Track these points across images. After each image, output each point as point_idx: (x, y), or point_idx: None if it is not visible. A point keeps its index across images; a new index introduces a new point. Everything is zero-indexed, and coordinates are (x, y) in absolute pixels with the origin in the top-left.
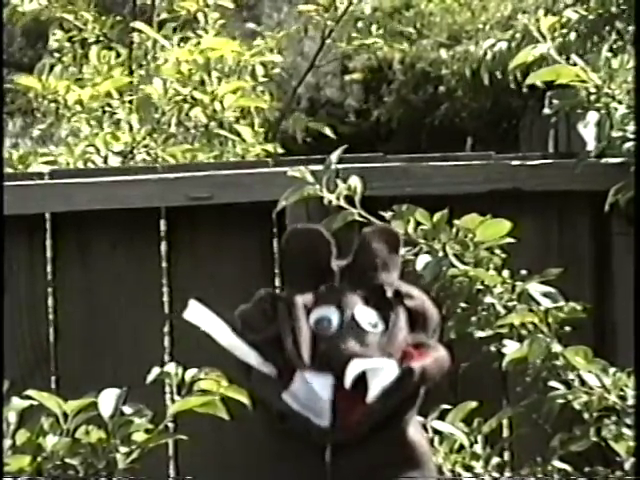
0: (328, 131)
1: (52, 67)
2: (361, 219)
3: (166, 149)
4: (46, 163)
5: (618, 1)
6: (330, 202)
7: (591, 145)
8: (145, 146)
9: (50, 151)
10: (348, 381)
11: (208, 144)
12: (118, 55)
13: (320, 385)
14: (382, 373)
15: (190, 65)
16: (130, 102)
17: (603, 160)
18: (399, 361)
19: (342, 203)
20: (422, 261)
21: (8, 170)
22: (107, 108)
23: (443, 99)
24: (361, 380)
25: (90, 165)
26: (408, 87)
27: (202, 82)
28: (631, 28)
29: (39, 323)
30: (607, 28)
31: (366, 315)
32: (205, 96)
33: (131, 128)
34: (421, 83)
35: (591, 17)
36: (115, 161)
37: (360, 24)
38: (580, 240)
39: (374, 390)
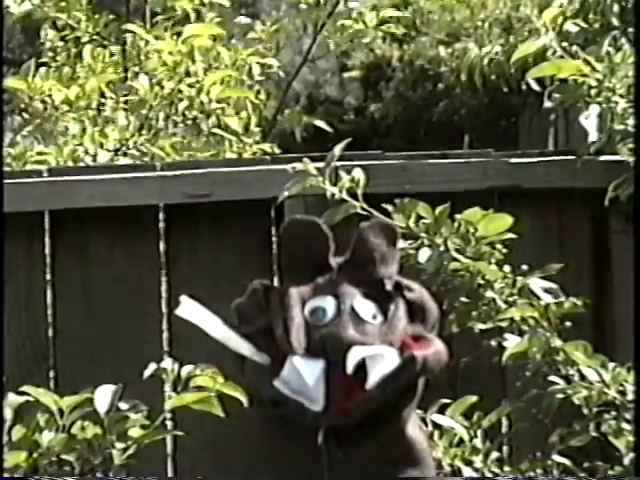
0: (324, 125)
1: (38, 66)
2: (363, 212)
3: (155, 143)
4: (36, 163)
5: (618, 13)
6: (333, 195)
7: (593, 136)
8: (134, 143)
9: (40, 151)
10: (349, 367)
11: (205, 142)
12: (112, 54)
13: (308, 371)
14: (382, 360)
15: (174, 56)
16: (125, 102)
17: (602, 158)
18: (399, 350)
19: (345, 196)
20: (424, 254)
21: (6, 168)
22: (97, 106)
23: (442, 96)
24: (360, 367)
25: (80, 164)
26: (407, 84)
27: (188, 74)
28: (631, 32)
29: (38, 321)
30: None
31: (366, 307)
32: (191, 88)
33: (120, 125)
34: (420, 80)
35: (591, 29)
36: (105, 159)
37: (354, 14)
38: (579, 238)
39: (374, 377)
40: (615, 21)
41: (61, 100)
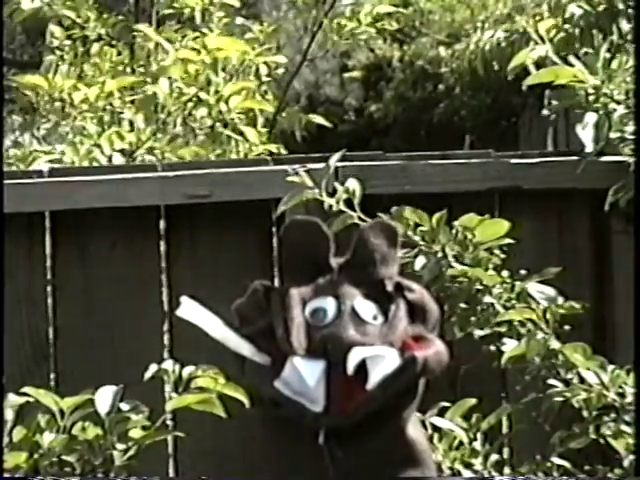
0: (323, 121)
1: (58, 65)
2: (360, 222)
3: (173, 150)
4: (51, 162)
5: None
6: (330, 207)
7: (589, 147)
8: (150, 147)
9: (54, 150)
10: (350, 368)
11: (211, 144)
12: (119, 53)
13: (308, 371)
14: (383, 361)
15: (197, 65)
16: (132, 102)
17: (603, 158)
18: (399, 351)
19: (342, 207)
20: (420, 262)
21: (9, 168)
22: (112, 107)
23: (442, 97)
24: (361, 368)
25: (95, 164)
26: (407, 85)
27: (208, 82)
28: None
29: (38, 321)
30: (611, 25)
31: (366, 307)
32: (210, 97)
33: (136, 127)
34: (420, 81)
35: (594, 13)
36: (120, 160)
37: (348, 13)
38: (580, 238)
39: (375, 378)
40: (620, 4)
41: (80, 100)
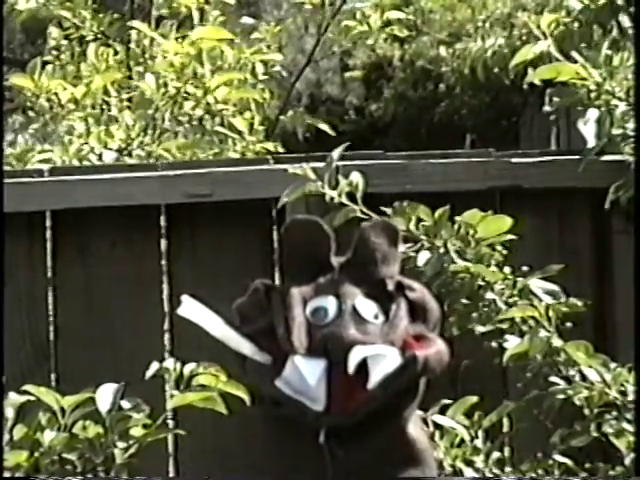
0: (327, 128)
1: (44, 65)
2: (363, 216)
3: (161, 144)
4: (42, 161)
5: None
6: (332, 199)
7: (591, 143)
8: (140, 143)
9: (45, 149)
10: (351, 367)
11: (208, 141)
12: (116, 53)
13: (309, 370)
14: (384, 360)
15: (182, 58)
16: (129, 100)
17: (604, 157)
18: (400, 350)
19: (344, 200)
20: (423, 257)
21: (7, 168)
22: (108, 105)
23: (443, 96)
24: (361, 367)
25: (85, 163)
26: (408, 84)
27: (195, 75)
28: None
29: (39, 320)
30: (611, 21)
31: (367, 306)
32: (198, 90)
33: (125, 124)
34: (421, 80)
35: (594, 7)
36: (110, 158)
37: (358, 15)
38: (580, 238)
39: (375, 377)
40: (620, 0)
41: (67, 99)
